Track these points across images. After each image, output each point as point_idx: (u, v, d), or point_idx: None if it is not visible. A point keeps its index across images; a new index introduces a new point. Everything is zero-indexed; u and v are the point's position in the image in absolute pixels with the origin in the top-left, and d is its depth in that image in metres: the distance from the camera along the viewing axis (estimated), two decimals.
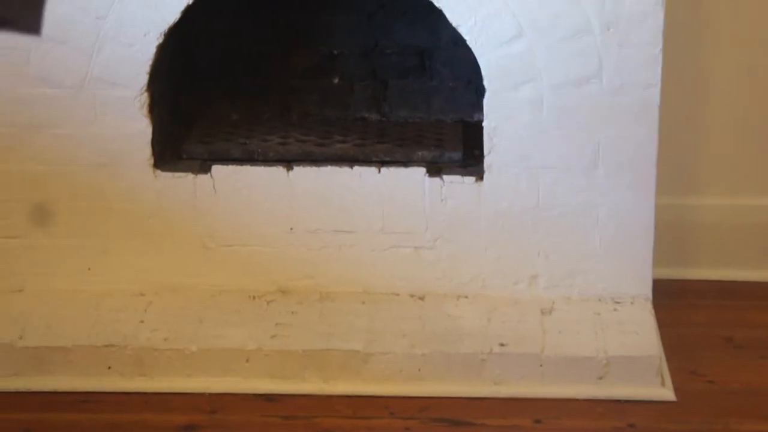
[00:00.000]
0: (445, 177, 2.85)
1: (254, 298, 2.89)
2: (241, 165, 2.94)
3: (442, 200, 2.84)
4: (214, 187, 2.88)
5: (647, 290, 2.83)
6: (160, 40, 2.74)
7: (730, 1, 3.09)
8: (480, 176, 2.82)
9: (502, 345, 2.65)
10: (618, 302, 2.81)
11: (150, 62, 2.77)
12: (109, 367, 2.64)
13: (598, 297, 2.85)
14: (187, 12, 2.71)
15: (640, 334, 2.67)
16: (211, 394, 2.57)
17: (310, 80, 3.37)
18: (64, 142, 2.87)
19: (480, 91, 2.80)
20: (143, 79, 2.79)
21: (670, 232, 3.05)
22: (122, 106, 2.84)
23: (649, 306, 2.80)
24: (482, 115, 2.81)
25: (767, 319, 2.92)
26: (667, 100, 2.85)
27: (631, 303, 2.80)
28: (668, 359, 2.62)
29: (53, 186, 2.86)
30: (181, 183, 2.89)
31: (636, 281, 2.85)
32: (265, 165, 2.93)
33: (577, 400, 2.52)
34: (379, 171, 2.87)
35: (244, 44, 3.26)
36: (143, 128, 2.84)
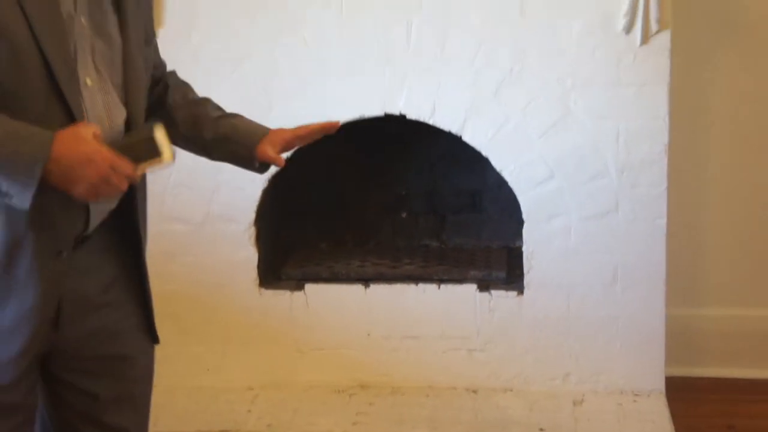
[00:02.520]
0: (492, 292, 3.22)
1: (339, 392, 3.21)
2: (329, 284, 3.31)
3: (490, 311, 3.17)
4: (306, 302, 3.25)
5: (661, 385, 3.11)
6: (265, 185, 3.15)
7: (730, 128, 3.38)
8: (521, 291, 3.18)
9: (541, 430, 2.95)
10: (637, 395, 3.10)
11: (257, 203, 3.18)
12: None
13: (620, 390, 3.13)
14: (288, 162, 3.11)
15: (656, 422, 2.97)
16: None
17: (384, 215, 3.73)
18: (191, 267, 3.23)
19: (520, 222, 3.17)
20: (251, 216, 3.21)
21: (681, 338, 3.28)
22: (235, 237, 3.24)
23: (663, 399, 3.09)
24: (522, 241, 3.19)
25: (764, 409, 3.15)
26: (675, 225, 3.15)
27: (648, 396, 3.09)
28: None
29: (182, 302, 3.20)
30: (281, 299, 3.27)
31: (651, 378, 3.13)
32: (347, 284, 3.30)
33: None
34: (439, 287, 3.23)
35: (332, 186, 3.62)
36: (251, 255, 3.24)
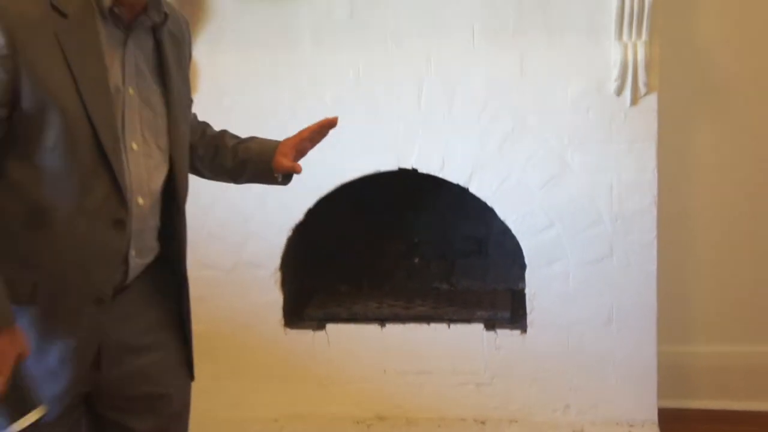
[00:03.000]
0: (498, 331, 3.31)
1: (358, 422, 3.32)
2: (348, 324, 3.39)
3: (496, 348, 3.27)
4: (328, 341, 3.35)
5: (654, 416, 3.20)
6: (290, 234, 3.26)
7: (713, 180, 3.44)
8: (524, 330, 3.27)
9: None
10: (631, 426, 3.20)
11: (282, 251, 3.29)
12: None
13: (616, 421, 3.23)
14: (309, 213, 3.20)
15: None
16: None
17: (398, 261, 3.80)
18: (222, 309, 3.32)
19: (523, 266, 3.25)
20: (277, 262, 3.32)
21: (672, 372, 3.35)
22: (262, 282, 3.34)
23: (657, 429, 3.18)
24: (525, 284, 3.26)
25: None
26: (665, 269, 3.22)
27: (642, 426, 3.19)
28: None
29: (213, 341, 3.28)
30: (304, 338, 3.37)
31: (645, 409, 3.22)
32: (365, 323, 3.39)
33: None
34: (449, 327, 3.32)
35: (350, 235, 3.69)
36: (277, 298, 3.34)
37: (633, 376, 3.24)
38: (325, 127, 2.34)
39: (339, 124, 2.41)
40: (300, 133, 2.34)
